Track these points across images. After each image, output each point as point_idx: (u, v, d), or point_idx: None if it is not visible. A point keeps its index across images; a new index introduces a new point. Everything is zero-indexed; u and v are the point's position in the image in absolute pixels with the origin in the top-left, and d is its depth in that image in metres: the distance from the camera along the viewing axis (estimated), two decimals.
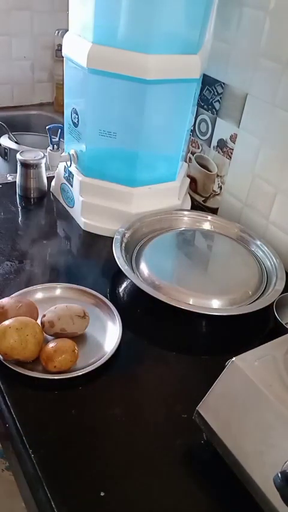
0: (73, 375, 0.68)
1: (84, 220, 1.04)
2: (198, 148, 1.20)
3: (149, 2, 0.81)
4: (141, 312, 0.84)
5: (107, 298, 0.82)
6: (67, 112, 1.03)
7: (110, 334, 0.76)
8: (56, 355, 0.68)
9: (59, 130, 1.03)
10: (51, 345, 0.69)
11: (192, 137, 1.20)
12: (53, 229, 1.07)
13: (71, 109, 1.01)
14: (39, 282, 0.86)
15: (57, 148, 1.03)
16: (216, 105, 1.10)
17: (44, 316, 0.73)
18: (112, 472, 0.59)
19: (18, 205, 1.12)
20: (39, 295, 0.82)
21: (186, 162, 1.22)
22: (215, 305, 0.82)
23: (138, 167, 0.99)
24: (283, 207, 0.99)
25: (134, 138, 0.95)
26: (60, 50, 1.02)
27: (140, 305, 0.86)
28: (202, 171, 1.20)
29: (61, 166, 1.09)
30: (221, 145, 1.12)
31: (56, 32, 1.57)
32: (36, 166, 1.10)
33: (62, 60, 0.99)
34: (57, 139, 1.02)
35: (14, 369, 0.67)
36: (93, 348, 0.74)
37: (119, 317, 0.78)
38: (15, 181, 1.14)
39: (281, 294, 0.84)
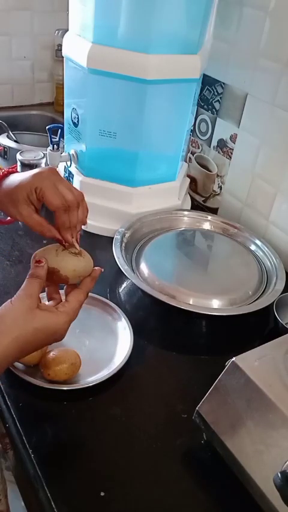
0: (71, 388, 0.66)
1: None
2: (198, 148, 1.20)
3: (149, 2, 0.81)
4: (141, 312, 0.84)
5: (106, 298, 0.82)
6: (67, 112, 1.03)
7: (120, 345, 0.75)
8: (53, 364, 0.66)
9: (59, 130, 1.03)
10: (52, 352, 0.68)
11: (192, 137, 1.20)
12: None
13: (71, 109, 1.01)
14: None
15: (57, 148, 1.03)
16: (216, 105, 1.10)
17: None
18: (112, 472, 0.59)
19: None
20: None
21: (186, 162, 1.22)
22: (215, 305, 0.82)
23: (138, 167, 0.99)
24: (283, 207, 0.99)
25: (134, 138, 0.95)
26: (60, 50, 1.02)
27: (139, 305, 0.86)
28: (202, 171, 1.20)
29: (61, 166, 1.09)
30: (221, 145, 1.12)
31: (56, 32, 1.57)
32: (36, 166, 1.10)
33: (62, 60, 0.99)
34: (57, 139, 1.02)
35: (15, 372, 0.67)
36: (101, 356, 0.73)
37: (131, 329, 0.76)
38: None
39: (281, 294, 0.84)
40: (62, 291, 0.63)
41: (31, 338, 0.52)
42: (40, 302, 0.56)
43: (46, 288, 0.63)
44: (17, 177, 0.62)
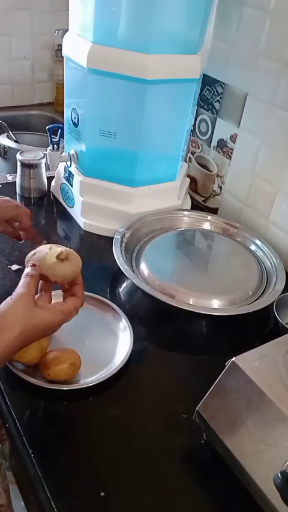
0: (71, 388, 0.67)
1: (84, 220, 1.04)
2: (198, 148, 1.20)
3: (149, 2, 0.81)
4: (141, 312, 0.84)
5: (106, 298, 0.82)
6: (67, 112, 1.03)
7: (120, 345, 0.75)
8: (53, 364, 0.66)
9: (59, 130, 1.03)
10: (52, 352, 0.68)
11: (192, 137, 1.20)
12: (53, 229, 1.07)
13: (71, 109, 1.01)
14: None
15: (57, 148, 1.03)
16: (216, 105, 1.10)
17: None
18: (112, 472, 0.59)
19: None
20: None
21: (186, 162, 1.22)
22: (215, 305, 0.82)
23: (138, 167, 0.99)
24: (283, 207, 0.99)
25: (134, 138, 0.95)
26: (60, 50, 1.02)
27: (139, 305, 0.86)
28: (202, 171, 1.20)
29: (61, 166, 1.09)
30: (221, 145, 1.12)
31: (56, 32, 1.57)
32: (36, 166, 1.10)
33: (62, 60, 0.99)
34: (57, 139, 1.02)
35: (15, 372, 0.67)
36: (101, 356, 0.73)
37: (131, 329, 0.76)
38: (15, 181, 1.14)
39: (281, 294, 0.84)
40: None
41: (30, 333, 0.58)
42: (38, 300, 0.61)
43: (40, 283, 0.67)
44: None
